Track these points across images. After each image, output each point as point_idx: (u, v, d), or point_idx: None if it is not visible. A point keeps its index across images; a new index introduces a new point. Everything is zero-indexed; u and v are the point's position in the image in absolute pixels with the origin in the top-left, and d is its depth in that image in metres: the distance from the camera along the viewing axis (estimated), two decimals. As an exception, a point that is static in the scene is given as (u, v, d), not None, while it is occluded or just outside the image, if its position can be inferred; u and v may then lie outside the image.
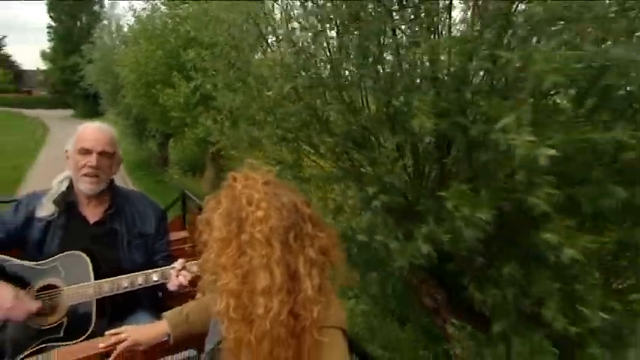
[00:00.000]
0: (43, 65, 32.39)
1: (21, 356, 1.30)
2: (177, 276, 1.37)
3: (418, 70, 1.47)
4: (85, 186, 1.43)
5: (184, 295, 1.42)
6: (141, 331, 1.15)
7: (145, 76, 6.56)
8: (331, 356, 0.82)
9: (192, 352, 1.28)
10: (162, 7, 6.54)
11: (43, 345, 1.33)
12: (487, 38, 1.16)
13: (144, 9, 7.30)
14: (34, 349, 1.32)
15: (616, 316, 1.10)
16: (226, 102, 2.11)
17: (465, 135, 1.21)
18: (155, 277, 1.38)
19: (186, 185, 8.06)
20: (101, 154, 1.42)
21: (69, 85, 26.45)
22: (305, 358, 0.79)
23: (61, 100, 31.66)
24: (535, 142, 0.92)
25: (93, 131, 1.44)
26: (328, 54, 1.71)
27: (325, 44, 1.69)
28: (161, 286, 1.43)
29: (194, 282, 1.35)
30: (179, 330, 1.13)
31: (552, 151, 0.90)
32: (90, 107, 21.88)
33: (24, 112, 30.32)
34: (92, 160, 1.40)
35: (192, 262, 1.43)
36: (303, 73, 1.68)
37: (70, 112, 28.52)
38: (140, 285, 1.38)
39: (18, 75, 43.12)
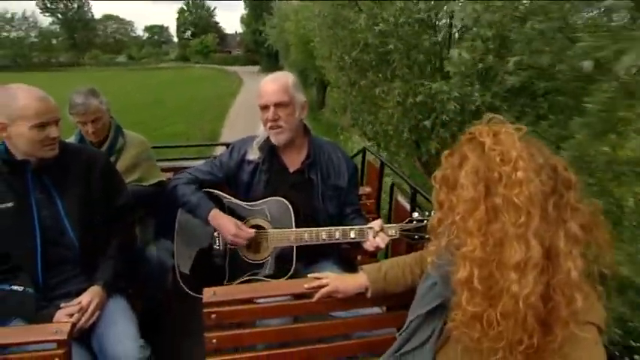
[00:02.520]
0: (240, 29, 37.17)
1: (235, 282, 1.36)
2: (374, 237, 1.21)
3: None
4: (273, 138, 1.36)
5: (363, 249, 1.29)
6: (342, 279, 1.09)
7: (304, 37, 8.27)
8: (591, 358, 0.63)
9: (376, 310, 1.17)
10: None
11: (252, 277, 1.36)
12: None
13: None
14: (245, 278, 1.37)
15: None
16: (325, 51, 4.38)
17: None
18: (352, 235, 1.25)
19: (334, 122, 9.51)
20: (277, 105, 1.30)
21: (257, 45, 29.77)
22: (550, 352, 0.63)
23: (251, 58, 36.22)
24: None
25: (266, 85, 1.33)
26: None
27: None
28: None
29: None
30: (376, 286, 1.05)
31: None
32: (272, 63, 24.35)
33: (225, 68, 36.28)
34: (270, 114, 1.31)
35: (390, 225, 1.25)
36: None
37: (257, 68, 32.47)
38: (337, 240, 1.26)
39: (222, 38, 51.05)
